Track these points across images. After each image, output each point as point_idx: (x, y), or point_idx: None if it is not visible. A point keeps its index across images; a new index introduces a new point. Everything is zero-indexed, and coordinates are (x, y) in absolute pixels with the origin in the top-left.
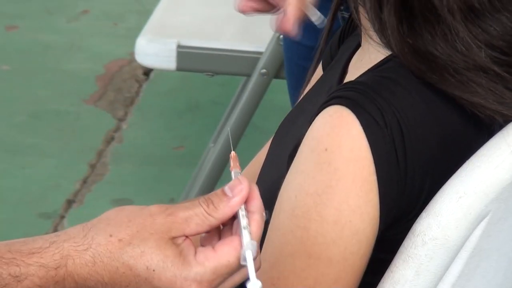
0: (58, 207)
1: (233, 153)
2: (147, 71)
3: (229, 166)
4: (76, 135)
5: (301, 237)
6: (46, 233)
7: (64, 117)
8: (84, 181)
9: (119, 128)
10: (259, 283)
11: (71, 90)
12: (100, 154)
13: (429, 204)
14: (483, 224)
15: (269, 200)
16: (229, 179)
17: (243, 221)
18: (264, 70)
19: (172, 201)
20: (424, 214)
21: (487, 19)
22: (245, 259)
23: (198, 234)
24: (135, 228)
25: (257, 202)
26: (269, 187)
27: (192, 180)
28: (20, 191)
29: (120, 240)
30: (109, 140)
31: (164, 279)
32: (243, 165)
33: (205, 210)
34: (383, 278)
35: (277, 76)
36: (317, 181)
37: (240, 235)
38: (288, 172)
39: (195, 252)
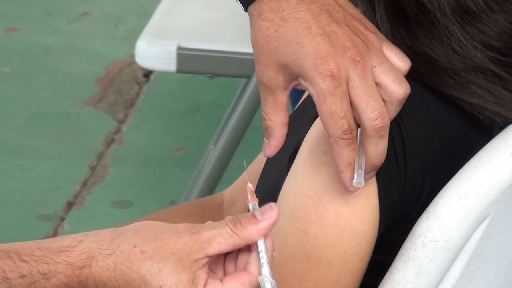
0: (58, 209)
1: (249, 185)
2: (147, 73)
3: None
4: (76, 137)
5: (301, 240)
6: (46, 236)
7: (64, 119)
8: (84, 183)
9: (119, 130)
10: None
11: (71, 92)
12: (100, 156)
13: (429, 205)
14: (483, 225)
15: (269, 202)
16: (230, 179)
17: (263, 256)
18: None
19: (172, 203)
20: (424, 216)
21: (483, 20)
22: (261, 276)
23: (220, 253)
24: (159, 244)
25: (271, 240)
26: (269, 189)
27: (192, 182)
28: (20, 192)
29: (142, 252)
30: (109, 142)
31: None
32: (243, 166)
33: (231, 229)
34: (383, 280)
35: None
36: (317, 184)
37: (248, 270)
38: (288, 174)
39: (205, 284)
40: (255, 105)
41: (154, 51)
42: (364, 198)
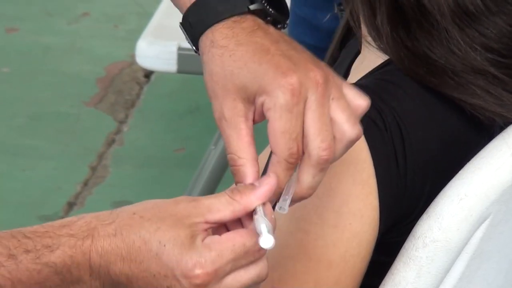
0: (59, 209)
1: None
2: (148, 73)
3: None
4: (76, 137)
5: (301, 240)
6: None
7: (65, 119)
8: (85, 183)
9: (120, 130)
10: (271, 239)
11: (71, 92)
12: (100, 156)
13: (430, 206)
14: (484, 226)
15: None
16: (230, 180)
17: (259, 210)
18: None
19: None
20: (425, 216)
21: (483, 22)
22: (257, 215)
23: (220, 221)
24: (157, 209)
25: (269, 206)
26: None
27: (192, 182)
28: (20, 193)
29: (141, 217)
30: (110, 142)
31: (172, 256)
32: None
33: (229, 196)
34: (384, 280)
35: None
36: None
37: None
38: None
39: (204, 239)
40: None
41: (155, 52)
42: (365, 199)
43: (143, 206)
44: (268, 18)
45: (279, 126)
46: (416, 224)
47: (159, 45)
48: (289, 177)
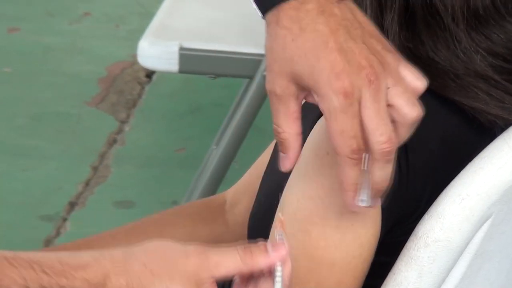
0: (60, 210)
1: (281, 216)
2: (149, 73)
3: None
4: (78, 138)
5: (303, 241)
6: (49, 236)
7: (66, 119)
8: (87, 184)
9: (121, 130)
10: None
11: (72, 92)
12: (102, 156)
13: (431, 206)
14: (485, 226)
15: (272, 204)
16: (232, 180)
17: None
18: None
19: (174, 203)
20: (426, 216)
21: (491, 26)
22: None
23: (226, 276)
24: (168, 263)
25: (288, 272)
26: (272, 190)
27: (194, 182)
28: (21, 193)
29: (151, 271)
30: (111, 142)
31: None
32: (245, 167)
33: (240, 256)
34: (385, 280)
35: None
36: (319, 185)
37: None
38: (290, 176)
39: None
40: (258, 106)
41: (156, 52)
42: None
43: (153, 256)
44: None
45: (336, 127)
46: (418, 224)
47: (160, 45)
48: (358, 172)
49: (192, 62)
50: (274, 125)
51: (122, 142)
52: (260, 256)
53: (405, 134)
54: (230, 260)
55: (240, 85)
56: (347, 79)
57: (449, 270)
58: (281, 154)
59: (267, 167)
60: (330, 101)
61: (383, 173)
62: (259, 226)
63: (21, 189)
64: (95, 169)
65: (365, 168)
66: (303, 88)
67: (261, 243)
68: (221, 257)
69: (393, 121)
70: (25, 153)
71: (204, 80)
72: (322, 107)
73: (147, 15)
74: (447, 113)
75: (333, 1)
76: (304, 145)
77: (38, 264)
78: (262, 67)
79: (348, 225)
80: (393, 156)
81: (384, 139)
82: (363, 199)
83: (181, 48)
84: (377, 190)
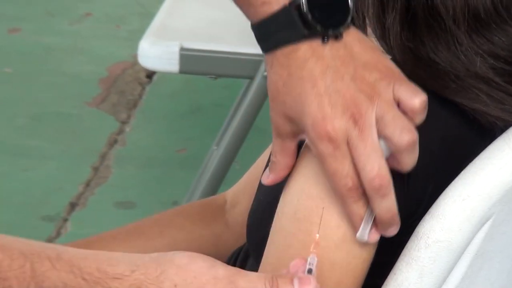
0: (61, 210)
1: (317, 236)
2: (150, 74)
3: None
4: (78, 138)
5: (303, 241)
6: (50, 236)
7: (67, 119)
8: (87, 184)
9: (122, 131)
10: None
11: (73, 92)
12: (103, 156)
13: (432, 206)
14: (486, 226)
15: (270, 202)
16: (233, 180)
17: None
18: (267, 73)
19: (175, 204)
20: (427, 217)
21: (492, 29)
22: None
23: None
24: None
25: None
26: (271, 188)
27: (195, 182)
28: (22, 193)
29: None
30: (112, 142)
31: None
32: (246, 167)
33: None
34: (386, 281)
35: None
36: (320, 185)
37: None
38: (290, 175)
39: None
40: (258, 106)
41: (157, 52)
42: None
43: (184, 276)
44: (325, 39)
45: (327, 168)
46: (419, 225)
47: (161, 45)
48: (364, 206)
49: (193, 62)
50: (271, 149)
51: (122, 143)
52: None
53: (408, 160)
54: None
55: (240, 86)
56: (330, 124)
57: (450, 270)
58: (266, 170)
59: (266, 166)
60: (316, 146)
61: (383, 207)
62: (258, 224)
63: (22, 189)
64: (95, 169)
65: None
66: (300, 130)
67: (288, 275)
68: (249, 285)
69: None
70: (25, 153)
71: (205, 80)
72: (313, 151)
73: (148, 16)
74: (447, 114)
75: (326, 42)
76: (304, 144)
77: (78, 269)
78: (262, 67)
79: (348, 225)
80: (388, 190)
81: (373, 175)
82: (362, 235)
83: (182, 49)
84: (384, 223)
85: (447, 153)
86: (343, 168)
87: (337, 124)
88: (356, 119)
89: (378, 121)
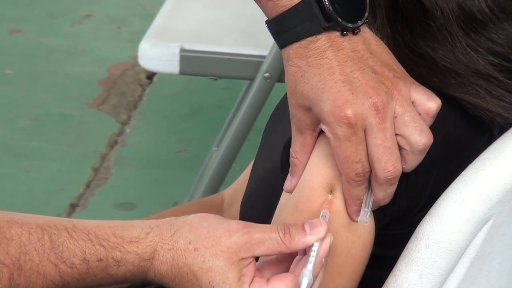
0: (62, 211)
1: (329, 196)
2: (150, 75)
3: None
4: (79, 139)
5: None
6: None
7: (68, 121)
8: (88, 185)
9: (123, 132)
10: None
11: (74, 94)
12: (103, 158)
13: (432, 207)
14: (486, 227)
15: (263, 188)
16: (233, 181)
17: (309, 264)
18: (267, 74)
19: (175, 205)
20: (427, 218)
21: (490, 28)
22: (305, 268)
23: (266, 256)
24: (211, 242)
25: (326, 248)
26: (263, 175)
27: (195, 183)
28: (23, 195)
29: (195, 249)
30: (113, 144)
31: None
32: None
33: (280, 237)
34: (386, 281)
35: (280, 79)
36: (321, 175)
37: (295, 273)
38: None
39: (252, 281)
40: (258, 107)
41: (157, 53)
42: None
43: (197, 232)
44: (344, 33)
45: (341, 152)
46: (419, 225)
47: (161, 47)
48: (363, 190)
49: (193, 63)
50: (291, 150)
51: (123, 144)
52: (297, 236)
53: (414, 161)
54: (271, 241)
55: (241, 87)
56: (350, 109)
57: (450, 271)
58: (288, 176)
59: (258, 153)
60: (334, 129)
61: (386, 193)
62: (250, 212)
63: (23, 191)
64: (96, 170)
65: (369, 186)
66: (318, 122)
67: (301, 223)
68: (263, 235)
69: (401, 148)
70: (27, 155)
71: (205, 81)
72: (328, 135)
73: (148, 17)
74: (448, 110)
75: (345, 34)
76: None
77: (95, 236)
78: (263, 68)
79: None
80: (397, 180)
81: (389, 167)
82: (365, 220)
83: (182, 50)
84: (379, 205)
85: (448, 149)
86: (356, 154)
87: (359, 109)
88: (378, 109)
89: (397, 118)
